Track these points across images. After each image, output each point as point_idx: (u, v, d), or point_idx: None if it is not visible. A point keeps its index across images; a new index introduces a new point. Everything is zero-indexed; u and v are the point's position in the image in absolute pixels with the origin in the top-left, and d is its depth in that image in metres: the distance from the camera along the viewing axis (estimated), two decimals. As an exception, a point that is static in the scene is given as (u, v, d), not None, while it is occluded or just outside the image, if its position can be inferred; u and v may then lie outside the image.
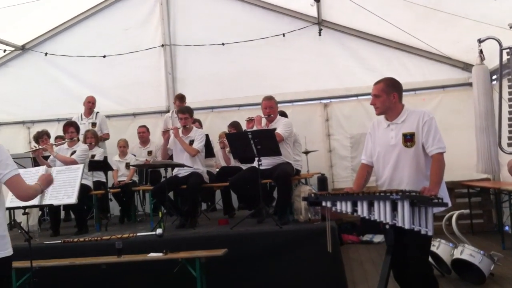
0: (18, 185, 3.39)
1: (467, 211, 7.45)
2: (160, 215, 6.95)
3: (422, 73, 9.66)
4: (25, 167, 6.69)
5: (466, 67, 9.42)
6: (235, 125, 8.63)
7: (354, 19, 9.52)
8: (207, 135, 7.90)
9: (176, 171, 7.49)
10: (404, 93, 4.23)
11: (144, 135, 9.54)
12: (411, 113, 4.07)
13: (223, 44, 10.07)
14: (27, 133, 10.77)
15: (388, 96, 4.10)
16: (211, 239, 6.11)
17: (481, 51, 7.25)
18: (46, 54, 10.60)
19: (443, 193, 3.92)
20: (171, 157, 7.67)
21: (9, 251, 3.38)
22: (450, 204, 3.87)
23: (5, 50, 10.53)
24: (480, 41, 7.00)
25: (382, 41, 9.78)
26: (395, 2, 8.09)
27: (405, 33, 8.85)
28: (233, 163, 8.58)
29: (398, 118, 4.08)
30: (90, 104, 9.44)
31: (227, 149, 8.60)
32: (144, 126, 9.63)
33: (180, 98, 9.14)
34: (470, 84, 9.32)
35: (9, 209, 5.91)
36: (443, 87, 9.58)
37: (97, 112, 9.54)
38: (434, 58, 9.58)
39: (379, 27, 9.22)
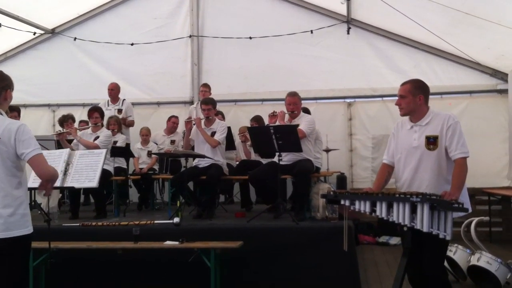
0: (40, 164, 3.42)
1: (487, 218, 7.33)
2: (178, 204, 6.99)
3: (450, 77, 9.53)
4: (48, 149, 6.77)
5: (495, 73, 9.30)
6: (257, 119, 8.63)
7: (384, 19, 9.43)
8: (229, 128, 7.91)
9: (196, 161, 7.52)
10: (430, 97, 4.19)
11: (175, 125, 9.60)
12: (435, 116, 4.02)
13: (250, 38, 10.08)
14: (51, 116, 10.87)
15: (414, 97, 4.05)
16: (227, 231, 6.13)
17: None
18: (75, 39, 10.70)
19: (464, 198, 3.88)
20: (192, 148, 7.71)
21: (29, 229, 3.44)
22: (470, 210, 3.83)
23: (34, 33, 10.61)
24: None
25: (411, 43, 9.68)
26: (427, 5, 7.99)
27: (435, 37, 8.74)
28: (254, 157, 8.57)
29: (422, 120, 4.04)
30: (110, 91, 9.48)
31: (248, 143, 8.60)
32: (177, 117, 9.64)
33: (205, 85, 9.34)
34: (498, 91, 9.26)
35: (30, 189, 5.99)
36: (470, 92, 9.44)
37: (124, 99, 9.59)
38: (463, 63, 9.46)
39: (409, 29, 9.11)
